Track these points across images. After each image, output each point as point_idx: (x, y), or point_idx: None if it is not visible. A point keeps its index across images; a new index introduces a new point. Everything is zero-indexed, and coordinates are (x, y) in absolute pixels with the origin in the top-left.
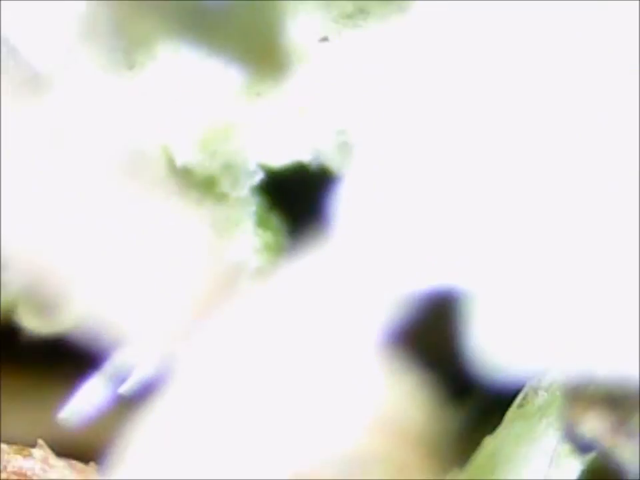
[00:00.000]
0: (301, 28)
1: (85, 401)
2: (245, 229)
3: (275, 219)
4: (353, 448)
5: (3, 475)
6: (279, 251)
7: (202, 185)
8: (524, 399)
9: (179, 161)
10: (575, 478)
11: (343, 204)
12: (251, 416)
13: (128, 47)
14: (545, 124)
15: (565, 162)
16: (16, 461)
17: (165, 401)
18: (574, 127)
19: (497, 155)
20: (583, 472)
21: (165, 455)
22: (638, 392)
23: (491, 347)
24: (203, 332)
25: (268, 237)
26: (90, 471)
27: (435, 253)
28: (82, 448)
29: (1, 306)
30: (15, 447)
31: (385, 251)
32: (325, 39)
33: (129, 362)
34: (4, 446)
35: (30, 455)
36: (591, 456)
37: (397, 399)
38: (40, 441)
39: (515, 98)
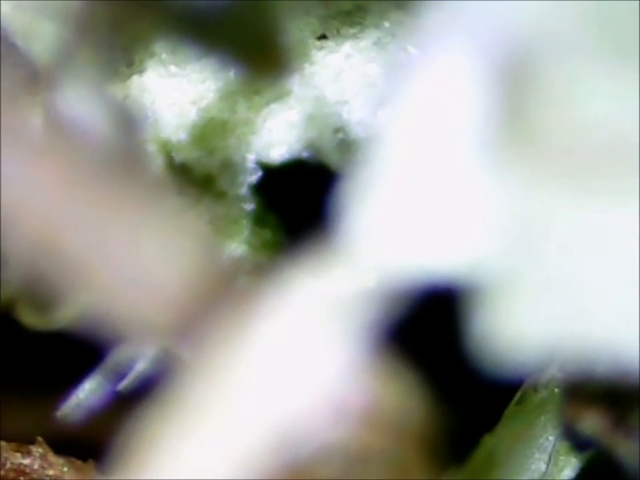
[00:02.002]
0: (299, 25)
1: (84, 397)
2: (243, 227)
3: (273, 217)
4: (351, 447)
5: (2, 472)
6: (277, 249)
7: (200, 182)
8: (522, 396)
9: (177, 159)
10: (574, 476)
11: (341, 202)
12: (250, 414)
13: (126, 44)
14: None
15: None
16: (14, 458)
17: (164, 398)
18: None
19: (495, 153)
20: (582, 470)
21: (164, 453)
22: (637, 389)
23: (490, 345)
24: (201, 329)
25: (266, 235)
26: (89, 468)
27: (434, 251)
28: (81, 445)
29: (1, 302)
30: (13, 444)
31: (384, 248)
32: (323, 37)
33: (129, 359)
34: (2, 443)
35: (28, 452)
36: (589, 453)
37: (395, 397)
38: (39, 438)
39: (514, 98)
